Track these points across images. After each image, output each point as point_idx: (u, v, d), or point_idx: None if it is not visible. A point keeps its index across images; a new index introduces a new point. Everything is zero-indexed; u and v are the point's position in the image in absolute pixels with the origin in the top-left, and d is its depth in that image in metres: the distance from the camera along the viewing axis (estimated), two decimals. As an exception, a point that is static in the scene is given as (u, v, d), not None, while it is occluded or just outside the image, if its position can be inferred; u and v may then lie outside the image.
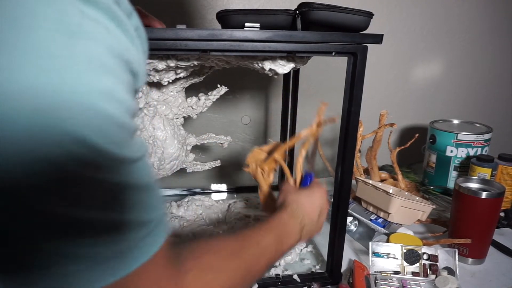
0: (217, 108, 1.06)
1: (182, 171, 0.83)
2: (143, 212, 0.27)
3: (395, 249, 0.68)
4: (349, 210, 0.85)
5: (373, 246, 0.68)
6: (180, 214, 0.83)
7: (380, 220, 0.82)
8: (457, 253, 0.66)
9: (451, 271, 0.65)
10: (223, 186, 1.02)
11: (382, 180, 1.01)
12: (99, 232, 0.24)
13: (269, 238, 0.45)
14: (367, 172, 1.03)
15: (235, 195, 0.99)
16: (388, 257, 0.67)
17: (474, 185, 0.75)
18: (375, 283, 0.63)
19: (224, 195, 0.99)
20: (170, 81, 0.67)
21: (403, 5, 1.15)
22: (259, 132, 1.12)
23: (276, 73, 0.62)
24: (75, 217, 0.23)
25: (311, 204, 0.53)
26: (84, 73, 0.22)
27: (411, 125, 1.30)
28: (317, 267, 0.70)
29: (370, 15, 0.55)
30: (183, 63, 0.61)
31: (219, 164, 0.88)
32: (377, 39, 0.53)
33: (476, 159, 0.92)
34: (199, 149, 1.06)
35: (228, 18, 0.58)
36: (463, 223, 0.74)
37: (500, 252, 0.78)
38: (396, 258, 0.67)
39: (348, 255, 0.75)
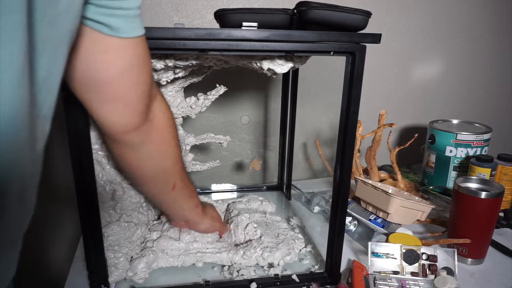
0: (216, 108, 1.06)
1: (181, 171, 0.83)
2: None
3: (394, 249, 0.67)
4: (348, 210, 0.85)
5: (372, 246, 0.68)
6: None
7: (379, 220, 0.81)
8: (456, 253, 0.66)
9: (450, 271, 0.65)
10: (223, 186, 1.02)
11: (381, 180, 1.01)
12: None
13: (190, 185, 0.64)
14: (366, 172, 1.03)
15: (234, 195, 0.99)
16: (387, 257, 0.67)
17: (473, 185, 0.75)
18: (374, 283, 0.63)
19: (223, 195, 0.99)
20: (169, 80, 0.67)
21: (403, 4, 1.15)
22: (258, 132, 1.12)
23: (275, 73, 0.61)
24: None
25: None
26: None
27: (411, 125, 1.29)
28: (316, 267, 0.70)
29: (368, 14, 0.55)
30: (181, 63, 0.60)
31: (218, 164, 0.88)
32: (375, 38, 0.53)
33: (475, 159, 0.92)
34: (198, 149, 1.06)
35: (225, 17, 0.58)
36: (462, 223, 0.73)
37: (500, 252, 0.78)
38: (395, 258, 0.67)
39: (347, 255, 0.74)
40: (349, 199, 0.85)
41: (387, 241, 0.71)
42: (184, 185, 0.61)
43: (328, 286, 0.66)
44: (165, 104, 0.54)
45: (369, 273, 0.66)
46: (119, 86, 0.43)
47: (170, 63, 0.59)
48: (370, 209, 0.85)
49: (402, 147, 0.95)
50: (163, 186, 0.59)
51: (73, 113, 0.50)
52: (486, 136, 0.99)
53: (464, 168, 0.99)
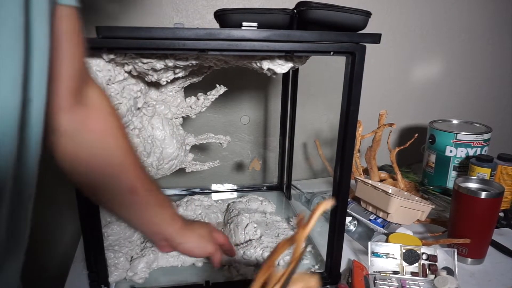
0: (216, 108, 1.06)
1: (181, 171, 0.83)
2: None
3: (394, 249, 0.67)
4: (348, 210, 0.85)
5: (372, 246, 0.68)
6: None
7: (379, 220, 0.81)
8: (456, 253, 0.66)
9: (450, 271, 0.65)
10: (223, 186, 1.02)
11: (381, 180, 1.01)
12: None
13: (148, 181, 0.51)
14: (366, 172, 1.03)
15: (234, 195, 0.99)
16: (387, 257, 0.67)
17: (473, 185, 0.75)
18: (374, 283, 0.63)
19: (223, 195, 0.99)
20: (169, 80, 0.67)
21: (403, 4, 1.15)
22: (258, 132, 1.12)
23: (275, 73, 0.61)
24: None
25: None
26: None
27: (411, 125, 1.29)
28: (316, 267, 0.70)
29: (368, 14, 0.55)
30: (181, 63, 0.60)
31: (218, 164, 0.88)
32: (375, 38, 0.53)
33: (475, 159, 0.92)
34: (198, 149, 1.06)
35: (225, 17, 0.58)
36: (462, 223, 0.73)
37: (500, 252, 0.78)
38: (395, 258, 0.67)
39: (347, 255, 0.74)
40: (349, 199, 0.85)
41: (387, 241, 0.71)
42: (147, 189, 0.52)
43: (328, 286, 0.66)
44: (103, 93, 0.49)
45: (369, 273, 0.66)
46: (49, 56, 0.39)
47: (170, 63, 0.59)
48: (370, 209, 0.85)
49: (402, 147, 0.95)
50: (117, 186, 0.50)
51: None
52: (486, 136, 0.99)
53: (464, 168, 0.99)
